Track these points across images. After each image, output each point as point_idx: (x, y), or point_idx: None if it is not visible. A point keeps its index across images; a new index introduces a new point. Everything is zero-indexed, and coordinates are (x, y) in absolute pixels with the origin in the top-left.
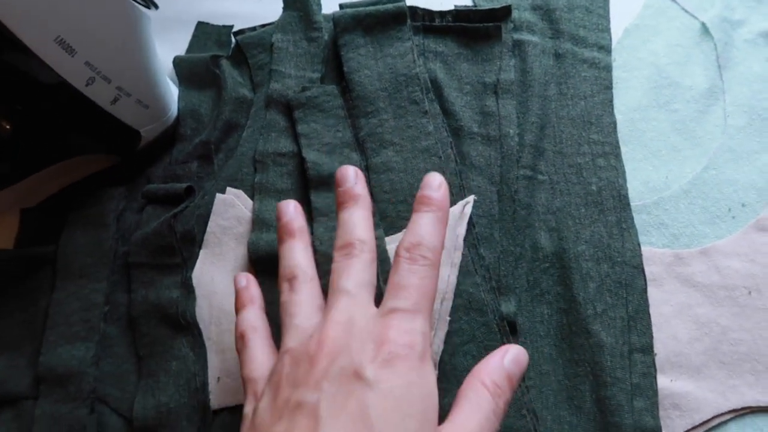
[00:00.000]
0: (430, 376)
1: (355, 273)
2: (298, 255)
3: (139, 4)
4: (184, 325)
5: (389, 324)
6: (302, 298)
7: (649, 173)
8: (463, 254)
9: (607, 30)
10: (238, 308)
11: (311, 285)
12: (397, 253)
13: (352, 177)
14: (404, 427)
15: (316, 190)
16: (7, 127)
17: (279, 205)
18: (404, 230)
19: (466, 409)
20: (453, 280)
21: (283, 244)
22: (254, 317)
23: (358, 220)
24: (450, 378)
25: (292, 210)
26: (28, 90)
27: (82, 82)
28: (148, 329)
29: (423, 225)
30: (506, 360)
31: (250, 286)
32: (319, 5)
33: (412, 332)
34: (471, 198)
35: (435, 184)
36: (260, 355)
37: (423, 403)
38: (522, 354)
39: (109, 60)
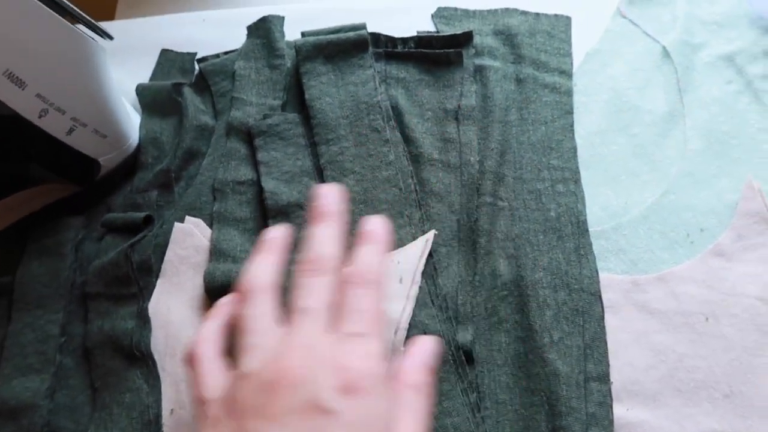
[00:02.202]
0: (389, 397)
1: (318, 292)
2: (263, 269)
3: (92, 35)
4: (139, 357)
5: (349, 349)
6: (258, 311)
7: (609, 198)
8: (420, 287)
9: (569, 54)
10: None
11: (268, 296)
12: (346, 280)
13: (328, 196)
14: None
15: (274, 219)
16: None
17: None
18: None
19: (408, 418)
20: (408, 311)
21: (256, 257)
22: (211, 330)
23: (325, 236)
24: None
25: (279, 230)
26: None
27: (35, 114)
28: (102, 360)
29: (369, 254)
30: (420, 355)
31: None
32: (282, 33)
33: (370, 356)
34: (431, 233)
35: (376, 222)
36: (214, 374)
37: (384, 428)
38: (429, 341)
39: (62, 92)
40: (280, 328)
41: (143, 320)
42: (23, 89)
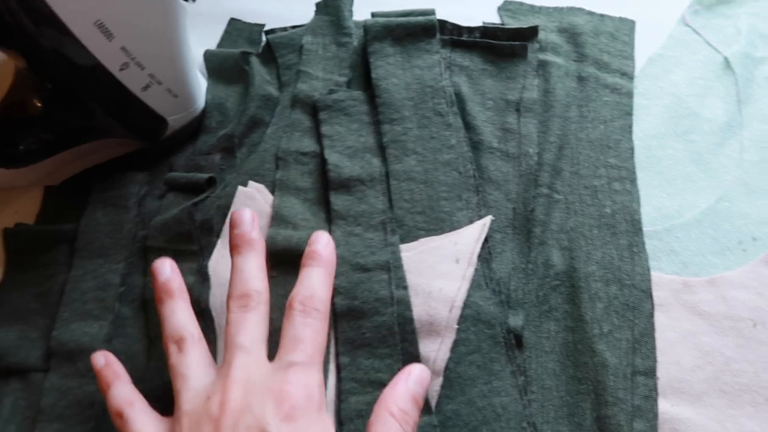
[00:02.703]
0: (328, 424)
1: (252, 328)
2: (181, 315)
3: None
4: (197, 311)
5: (288, 379)
6: (192, 359)
7: (663, 200)
8: (475, 269)
9: (631, 57)
10: (104, 388)
11: (200, 345)
12: (289, 305)
13: (248, 221)
14: None
15: (335, 192)
16: (38, 104)
17: (154, 265)
18: (419, 240)
19: None
20: (463, 291)
21: (164, 305)
22: (126, 392)
23: (253, 269)
24: (454, 386)
25: (168, 269)
26: (62, 69)
27: (116, 66)
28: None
29: (314, 279)
30: (409, 382)
31: (111, 363)
32: (351, 12)
33: (310, 385)
34: (488, 218)
35: (324, 241)
36: (147, 425)
37: None
38: (424, 372)
39: (145, 47)
40: (214, 368)
41: (203, 277)
42: (110, 41)
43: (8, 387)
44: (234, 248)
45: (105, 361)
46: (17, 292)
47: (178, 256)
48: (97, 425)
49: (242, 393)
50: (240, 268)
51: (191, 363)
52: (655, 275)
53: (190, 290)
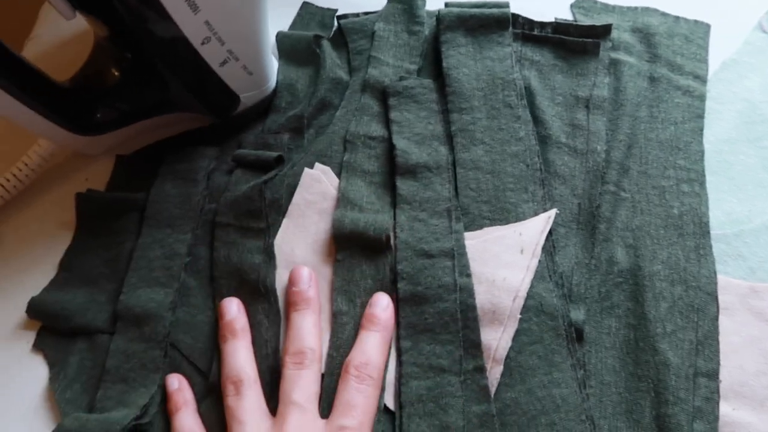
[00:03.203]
0: None
1: (306, 385)
2: (242, 357)
3: None
4: (263, 292)
5: None
6: (249, 404)
7: (733, 205)
8: (539, 260)
9: (705, 61)
10: (173, 411)
11: (255, 388)
12: (345, 370)
13: (306, 278)
14: None
15: (402, 177)
16: (116, 74)
17: (221, 304)
18: (484, 228)
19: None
20: (527, 282)
21: (227, 344)
22: (191, 421)
23: (309, 326)
24: (514, 374)
25: (234, 309)
26: (145, 39)
27: (198, 40)
28: (227, 291)
29: (371, 345)
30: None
31: (183, 388)
32: (424, 1)
33: None
34: (553, 212)
35: (383, 304)
36: None
37: None
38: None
39: (227, 23)
40: (269, 418)
41: (269, 256)
42: (195, 14)
43: (74, 347)
44: (292, 305)
45: (178, 385)
46: (87, 256)
47: (245, 234)
48: (159, 390)
49: None
50: (297, 326)
51: (248, 408)
52: (721, 279)
53: (257, 270)
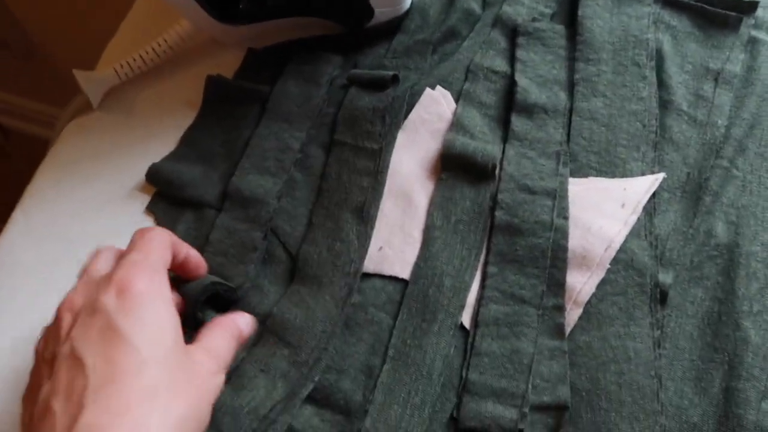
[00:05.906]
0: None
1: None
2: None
3: None
4: (363, 217)
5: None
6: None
7: None
8: (638, 218)
9: None
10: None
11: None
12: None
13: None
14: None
15: (518, 114)
16: None
17: None
18: (589, 177)
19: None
20: (622, 235)
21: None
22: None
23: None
24: (591, 320)
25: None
26: None
27: None
28: (329, 205)
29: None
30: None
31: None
32: None
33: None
34: (661, 175)
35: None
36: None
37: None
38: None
39: None
40: None
41: (377, 181)
42: None
43: (183, 216)
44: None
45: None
46: (207, 135)
47: (358, 153)
48: (254, 267)
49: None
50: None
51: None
52: None
53: (364, 195)
